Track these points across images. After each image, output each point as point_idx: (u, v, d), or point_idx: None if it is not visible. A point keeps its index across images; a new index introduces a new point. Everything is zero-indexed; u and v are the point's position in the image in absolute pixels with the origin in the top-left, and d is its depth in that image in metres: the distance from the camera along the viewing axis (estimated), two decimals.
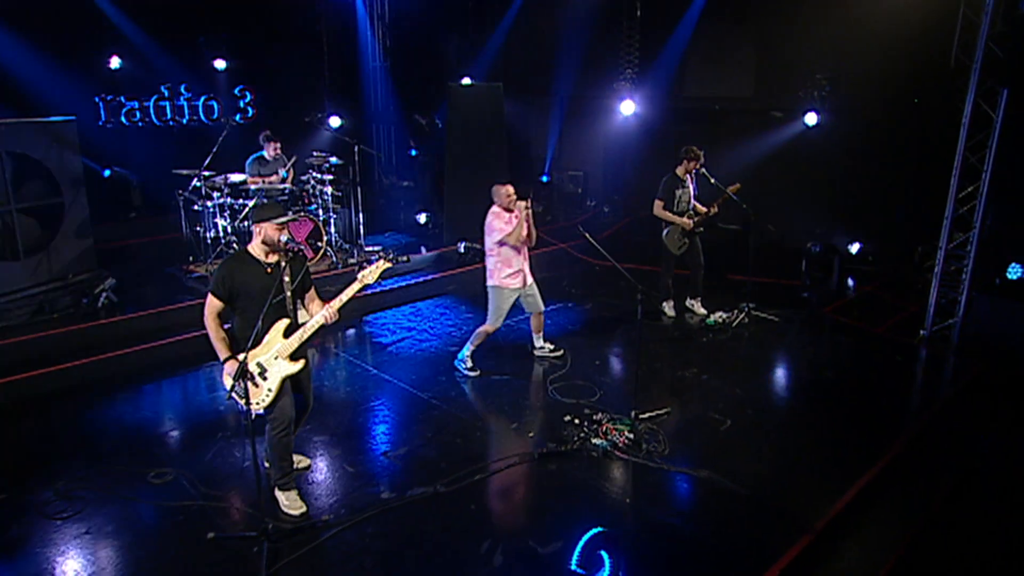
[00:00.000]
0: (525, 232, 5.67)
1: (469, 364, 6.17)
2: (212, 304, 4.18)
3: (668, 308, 7.78)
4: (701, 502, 4.47)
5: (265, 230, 4.14)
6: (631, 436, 5.11)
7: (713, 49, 10.32)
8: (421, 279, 8.41)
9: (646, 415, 5.37)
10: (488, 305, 5.98)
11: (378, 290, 7.81)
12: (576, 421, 5.35)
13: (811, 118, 9.46)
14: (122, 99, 9.82)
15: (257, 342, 4.15)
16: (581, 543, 4.02)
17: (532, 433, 5.20)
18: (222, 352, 4.15)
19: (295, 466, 4.71)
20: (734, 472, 4.68)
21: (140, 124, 9.90)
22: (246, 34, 10.51)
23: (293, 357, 4.19)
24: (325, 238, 8.40)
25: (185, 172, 7.99)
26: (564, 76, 11.12)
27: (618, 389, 5.82)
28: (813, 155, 9.35)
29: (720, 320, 7.54)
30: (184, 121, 10.30)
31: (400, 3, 11.86)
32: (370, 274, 4.25)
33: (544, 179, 11.72)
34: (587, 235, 5.30)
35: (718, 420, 5.46)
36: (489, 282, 5.93)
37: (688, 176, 7.46)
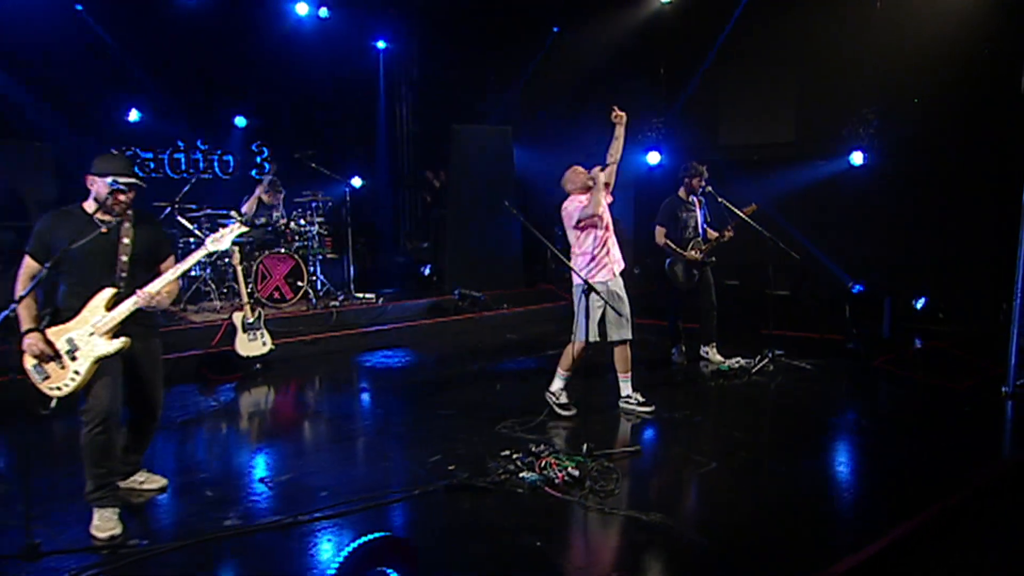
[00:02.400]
0: (604, 196, 4.96)
1: (563, 400, 5.19)
2: (28, 266, 3.54)
3: (678, 355, 6.78)
4: (635, 551, 3.46)
5: (96, 186, 3.48)
6: (575, 473, 4.08)
7: (748, 94, 9.70)
8: (394, 326, 8.00)
9: (606, 452, 4.47)
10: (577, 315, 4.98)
11: (354, 331, 7.62)
12: (513, 455, 4.36)
13: (857, 157, 8.47)
14: (137, 150, 9.85)
15: (74, 314, 3.42)
16: None
17: (453, 467, 4.31)
18: (24, 322, 3.41)
19: (141, 485, 4.00)
20: (701, 520, 3.76)
21: (154, 175, 9.81)
22: (268, 94, 10.55)
23: (114, 335, 3.50)
24: (308, 278, 8.08)
25: (162, 204, 7.80)
26: (586, 127, 10.57)
27: (590, 427, 4.96)
28: (860, 198, 8.44)
29: (736, 365, 6.34)
30: (199, 174, 10.26)
31: (427, 67, 11.81)
32: (219, 239, 3.58)
33: (560, 232, 10.92)
34: (514, 211, 5.05)
35: (700, 462, 4.47)
36: (578, 281, 4.89)
37: (693, 197, 6.52)
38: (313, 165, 8.75)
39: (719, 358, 6.63)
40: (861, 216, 8.42)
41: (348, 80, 11.50)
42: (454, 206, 9.53)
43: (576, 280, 4.90)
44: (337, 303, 8.16)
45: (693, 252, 6.49)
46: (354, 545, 2.53)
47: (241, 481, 4.24)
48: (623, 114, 5.05)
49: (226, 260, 7.65)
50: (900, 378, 6.30)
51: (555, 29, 10.80)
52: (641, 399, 5.28)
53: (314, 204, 8.39)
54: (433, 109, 11.95)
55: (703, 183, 6.50)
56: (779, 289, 9.39)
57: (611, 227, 5.08)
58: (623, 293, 5.13)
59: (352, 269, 8.85)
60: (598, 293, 4.74)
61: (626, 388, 5.28)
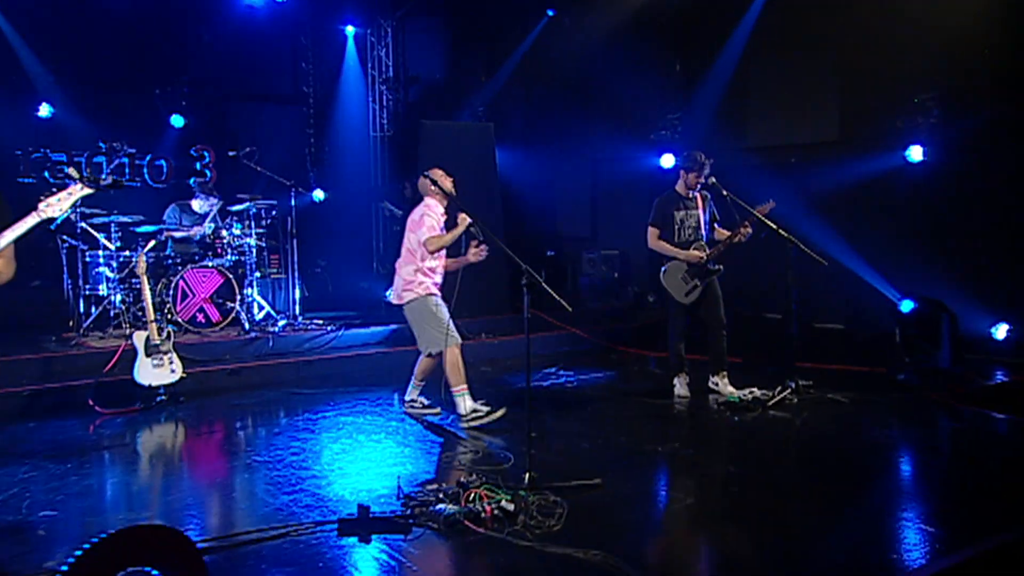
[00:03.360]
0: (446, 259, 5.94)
1: (425, 401, 6.13)
2: None
3: (680, 385, 6.65)
4: None
5: None
6: (508, 507, 3.98)
7: (782, 85, 9.67)
8: (344, 354, 8.06)
9: (556, 485, 4.36)
10: (416, 330, 5.93)
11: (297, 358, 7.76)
12: (438, 486, 4.29)
13: (915, 152, 8.38)
14: (48, 152, 10.04)
15: None
16: None
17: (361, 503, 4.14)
18: None
19: None
20: (662, 562, 3.66)
21: (68, 183, 9.89)
22: (211, 88, 10.74)
23: None
24: (241, 299, 8.13)
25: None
26: (591, 132, 10.87)
27: (547, 461, 4.86)
28: (918, 200, 8.35)
29: (748, 396, 6.18)
30: (125, 181, 10.35)
31: (403, 55, 12.08)
32: (55, 204, 3.71)
33: (550, 253, 11.28)
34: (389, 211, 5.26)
35: (675, 498, 4.41)
36: (407, 296, 5.85)
37: (694, 193, 6.50)
38: (256, 168, 8.86)
39: (730, 389, 6.47)
40: (919, 222, 8.29)
41: (309, 72, 11.74)
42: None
43: (411, 290, 5.77)
44: (276, 329, 8.18)
45: (695, 252, 6.38)
46: (94, 540, 2.37)
47: (82, 523, 4.14)
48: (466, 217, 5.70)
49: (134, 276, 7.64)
50: (961, 412, 6.11)
51: (550, 12, 10.99)
52: (427, 402, 6.06)
53: (254, 211, 8.45)
54: (410, 106, 12.15)
55: (705, 177, 6.42)
56: (831, 321, 9.25)
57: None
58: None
59: (300, 291, 8.92)
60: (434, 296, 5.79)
61: (413, 391, 6.08)
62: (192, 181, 10.17)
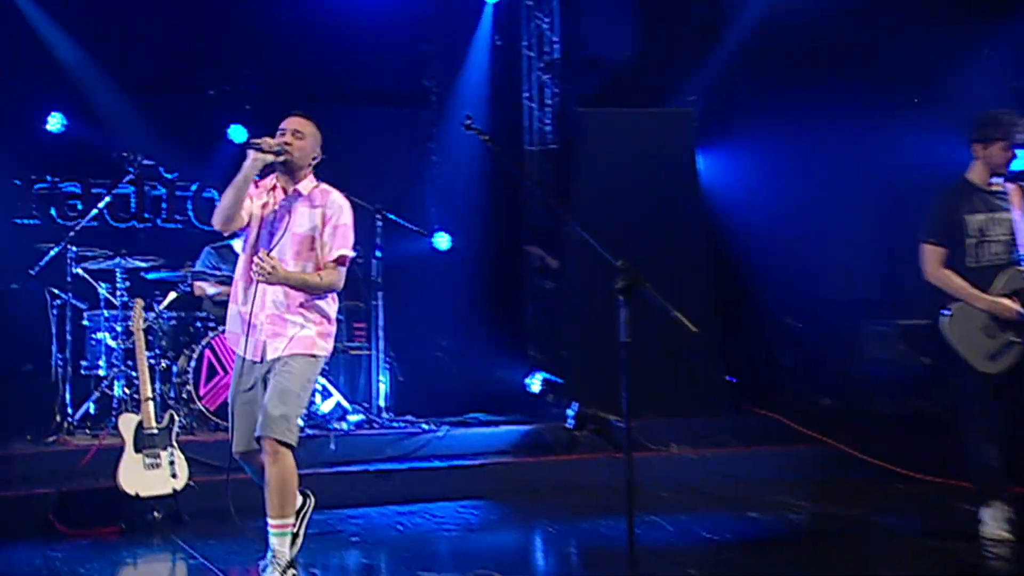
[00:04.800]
0: None
1: None
2: None
3: (991, 517, 6.17)
4: None
5: None
6: None
7: None
8: (443, 465, 8.44)
9: None
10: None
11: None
12: None
13: None
14: (58, 182, 10.77)
15: None
16: None
17: None
18: None
19: None
20: None
21: (83, 223, 10.41)
22: (287, 87, 11.20)
23: None
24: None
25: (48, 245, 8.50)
26: (820, 112, 10.62)
27: None
28: None
29: None
30: (160, 221, 10.96)
31: (572, 31, 12.04)
32: None
33: (796, 324, 11.13)
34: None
35: None
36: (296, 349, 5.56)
37: (1001, 181, 6.28)
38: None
39: None
40: None
41: (433, 58, 12.09)
42: (576, 258, 9.57)
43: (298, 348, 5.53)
44: (346, 426, 8.50)
45: (1002, 297, 6.04)
46: None
47: None
48: None
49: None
50: None
51: None
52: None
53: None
54: (586, 102, 11.87)
55: (1015, 149, 6.10)
56: None
57: None
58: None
59: (391, 375, 9.19)
60: None
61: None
62: None
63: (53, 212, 10.70)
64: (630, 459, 4.63)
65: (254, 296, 5.38)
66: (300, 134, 5.51)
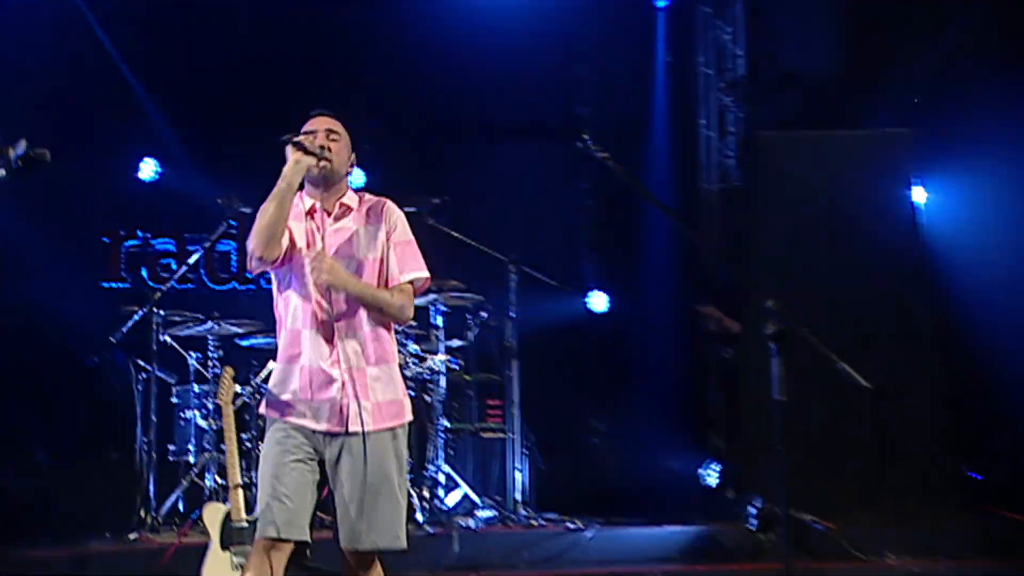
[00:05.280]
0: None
1: None
2: None
3: None
4: None
5: None
6: None
7: None
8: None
9: None
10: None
11: None
12: None
13: None
14: (149, 238, 10.86)
15: None
16: None
17: None
18: None
19: None
20: None
21: (177, 287, 10.33)
22: (414, 122, 11.25)
23: None
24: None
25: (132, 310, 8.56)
26: None
27: None
28: None
29: None
30: (264, 282, 10.91)
31: (785, 53, 11.80)
32: None
33: None
34: None
35: None
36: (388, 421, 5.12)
37: None
38: (465, 239, 9.01)
39: None
40: None
41: (588, 82, 11.84)
42: (760, 319, 9.08)
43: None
44: (475, 523, 8.40)
45: None
46: None
47: None
48: None
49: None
50: None
51: None
52: None
53: (441, 312, 8.79)
54: (780, 128, 11.63)
55: None
56: None
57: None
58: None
59: (532, 464, 9.00)
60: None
61: None
62: None
63: (144, 273, 10.86)
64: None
65: (330, 344, 4.96)
66: (336, 135, 5.05)
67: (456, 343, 9.01)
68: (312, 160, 4.80)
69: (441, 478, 8.62)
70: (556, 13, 11.20)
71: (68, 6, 10.42)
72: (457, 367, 8.97)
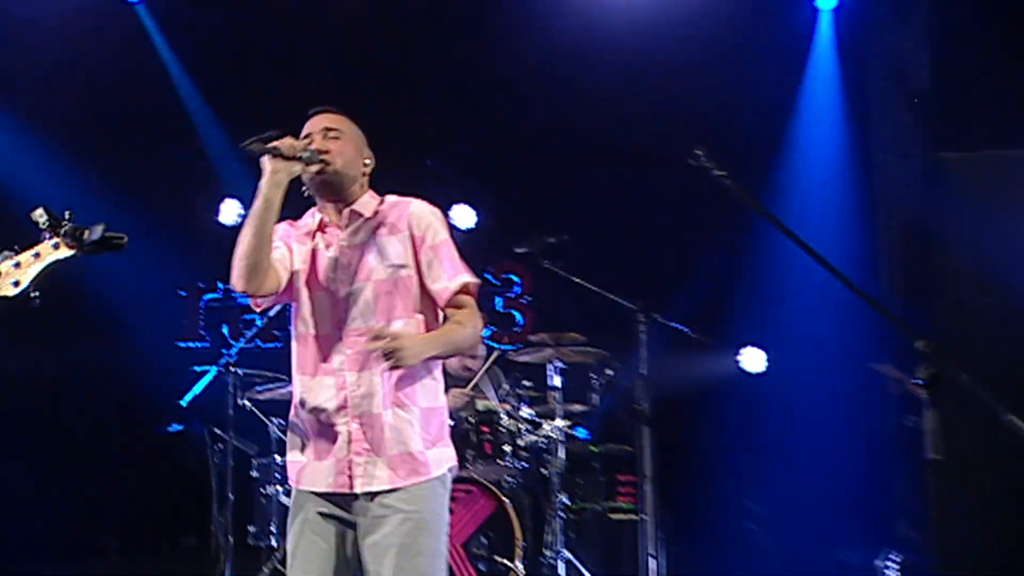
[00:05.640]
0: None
1: None
2: None
3: None
4: None
5: None
6: None
7: None
8: None
9: None
10: None
11: None
12: None
13: None
14: (232, 290, 10.79)
15: None
16: None
17: None
18: None
19: None
20: None
21: (268, 346, 10.54)
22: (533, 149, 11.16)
23: None
24: (527, 550, 8.26)
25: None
26: None
27: None
28: None
29: None
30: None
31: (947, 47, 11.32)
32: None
33: None
34: None
35: None
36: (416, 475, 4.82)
37: None
38: (587, 286, 8.72)
39: None
40: None
41: (725, 97, 11.52)
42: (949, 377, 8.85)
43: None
44: None
45: None
46: None
47: None
48: None
49: None
50: None
51: None
52: None
53: (559, 370, 8.66)
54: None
55: None
56: None
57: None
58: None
59: (671, 549, 8.64)
60: None
61: None
62: (488, 337, 10.39)
63: (226, 330, 10.94)
64: None
65: (338, 387, 4.65)
66: (335, 132, 4.79)
67: (578, 407, 8.87)
68: (298, 167, 4.55)
69: (561, 567, 8.41)
70: (692, 18, 10.90)
71: (142, 49, 10.61)
72: (579, 435, 8.84)
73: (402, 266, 4.62)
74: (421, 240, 4.67)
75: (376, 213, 4.75)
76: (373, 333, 4.39)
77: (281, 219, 4.68)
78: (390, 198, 4.89)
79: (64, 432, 10.48)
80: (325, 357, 4.65)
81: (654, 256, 10.90)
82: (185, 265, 10.84)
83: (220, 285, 10.98)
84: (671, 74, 10.96)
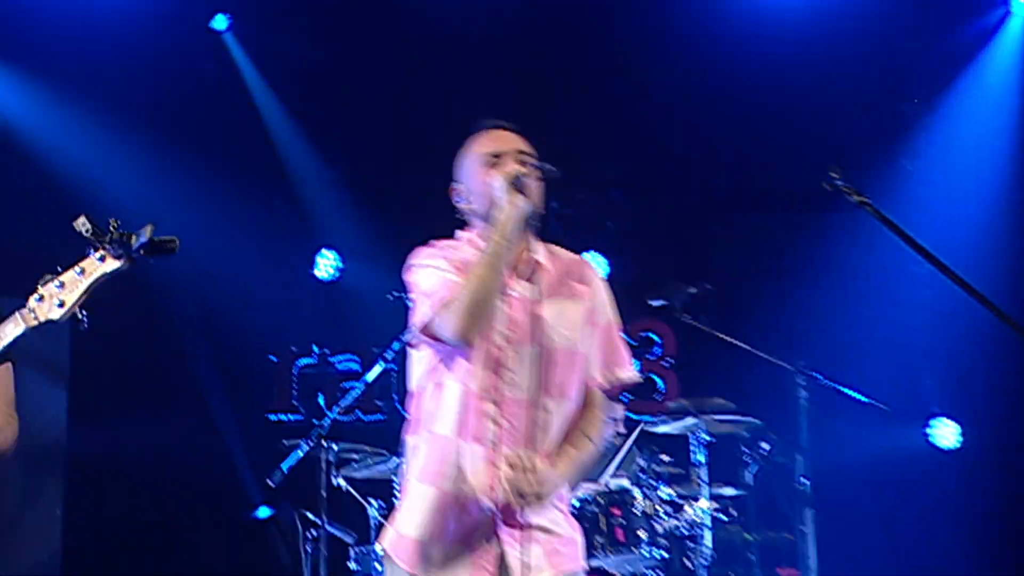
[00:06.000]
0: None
1: None
2: None
3: None
4: None
5: None
6: None
7: None
8: None
9: None
10: None
11: None
12: None
13: None
14: (328, 355, 10.74)
15: None
16: None
17: None
18: None
19: None
20: None
21: (370, 418, 10.57)
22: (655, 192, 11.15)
23: None
24: None
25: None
26: None
27: None
28: None
29: None
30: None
31: None
32: (56, 295, 4.10)
33: None
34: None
35: None
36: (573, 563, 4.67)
37: None
38: (741, 346, 8.70)
39: None
40: None
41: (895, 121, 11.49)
42: None
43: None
44: None
45: None
46: None
47: None
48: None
49: None
50: None
51: None
52: None
53: (703, 442, 8.66)
54: None
55: None
56: None
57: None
58: None
59: None
60: None
61: None
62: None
63: (321, 400, 10.88)
64: None
65: (493, 462, 4.35)
66: (529, 158, 4.56)
67: (727, 488, 8.79)
68: (529, 205, 4.39)
69: None
70: (850, 37, 10.85)
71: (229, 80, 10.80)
72: (729, 520, 8.68)
73: (586, 337, 4.50)
74: (599, 310, 4.60)
75: (555, 263, 4.58)
76: (517, 460, 4.20)
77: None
78: (554, 248, 4.70)
79: (140, 520, 10.50)
80: (487, 424, 4.40)
81: (815, 309, 10.71)
82: (276, 326, 10.89)
83: (315, 348, 11.03)
84: (828, 108, 10.96)
